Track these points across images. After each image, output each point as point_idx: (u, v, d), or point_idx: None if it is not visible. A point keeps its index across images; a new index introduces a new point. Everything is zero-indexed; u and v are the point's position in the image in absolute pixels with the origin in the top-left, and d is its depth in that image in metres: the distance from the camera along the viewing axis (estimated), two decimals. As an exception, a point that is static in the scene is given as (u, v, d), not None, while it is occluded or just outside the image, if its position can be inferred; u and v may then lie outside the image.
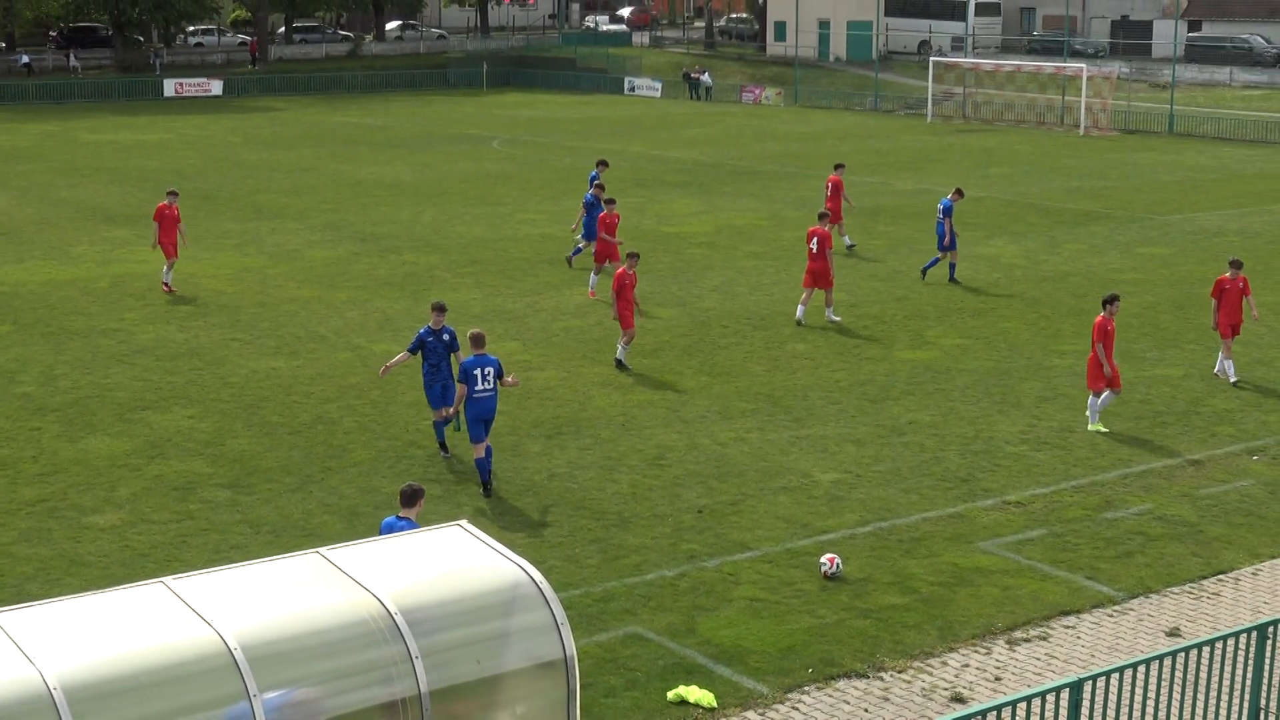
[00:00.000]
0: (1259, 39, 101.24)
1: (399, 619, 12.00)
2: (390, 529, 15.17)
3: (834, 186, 40.19)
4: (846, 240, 40.37)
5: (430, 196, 50.97)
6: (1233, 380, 27.34)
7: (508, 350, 29.41)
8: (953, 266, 36.37)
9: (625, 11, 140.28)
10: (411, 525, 15.15)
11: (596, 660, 16.14)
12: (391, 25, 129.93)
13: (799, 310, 31.79)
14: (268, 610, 12.08)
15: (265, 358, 28.94)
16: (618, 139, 70.46)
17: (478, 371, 21.00)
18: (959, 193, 36.75)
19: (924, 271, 36.55)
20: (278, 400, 26.12)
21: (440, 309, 22.55)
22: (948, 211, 35.75)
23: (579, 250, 37.73)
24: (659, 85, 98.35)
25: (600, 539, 19.76)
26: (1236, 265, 27.80)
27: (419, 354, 22.58)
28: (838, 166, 41.28)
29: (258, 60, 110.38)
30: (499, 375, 21.19)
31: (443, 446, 23.17)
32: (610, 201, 35.13)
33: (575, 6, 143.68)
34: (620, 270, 28.08)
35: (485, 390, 21.07)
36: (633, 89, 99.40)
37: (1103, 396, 24.60)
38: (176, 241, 34.98)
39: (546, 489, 21.69)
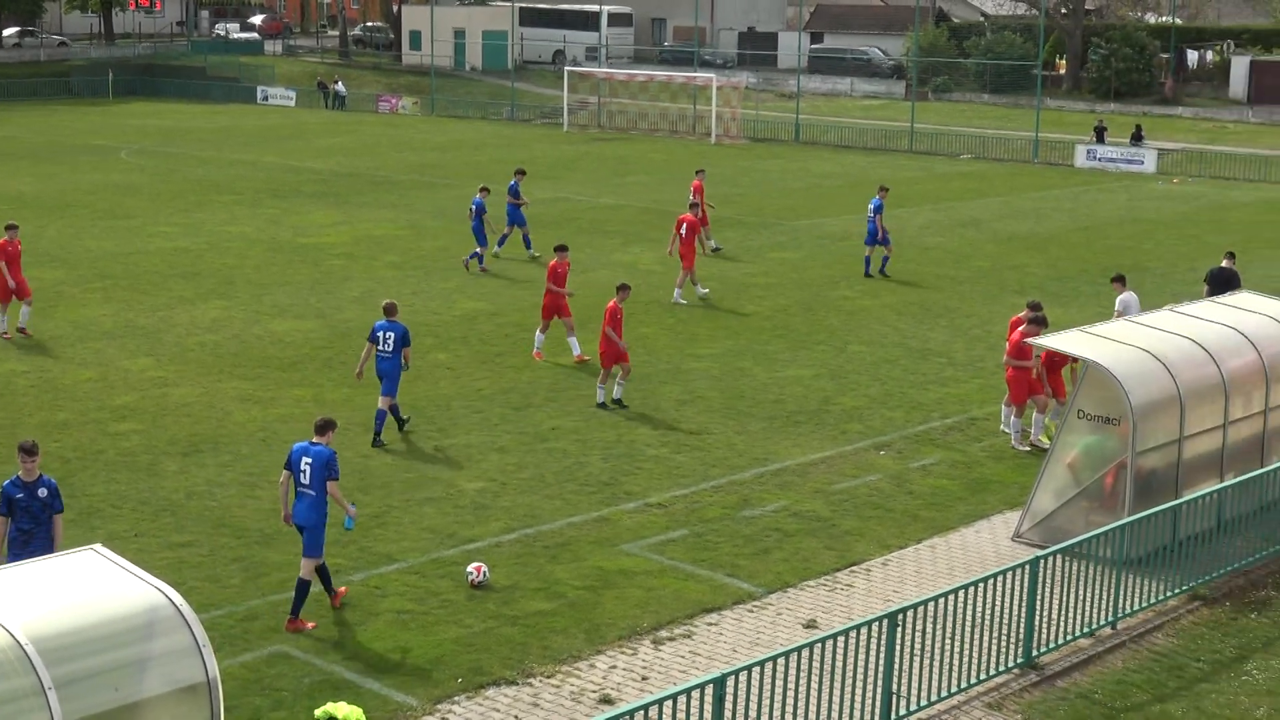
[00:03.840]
0: (877, 51, 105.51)
1: (29, 649, 11.54)
2: (304, 452, 17.42)
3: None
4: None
5: (55, 209, 49.09)
6: None
7: (141, 366, 28.58)
8: (885, 259, 39.21)
9: (257, 19, 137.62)
10: (324, 450, 17.34)
11: (241, 681, 15.81)
12: (9, 31, 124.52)
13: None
14: (-115, 647, 11.46)
15: (-122, 381, 27.43)
16: (252, 149, 69.19)
17: (380, 335, 24.18)
18: (884, 190, 39.67)
19: (882, 270, 39.07)
20: (-108, 425, 24.78)
21: (29, 451, 16.26)
22: (878, 209, 38.31)
23: (476, 255, 39.09)
24: (293, 94, 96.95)
25: (242, 557, 19.36)
26: None
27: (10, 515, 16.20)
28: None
29: None
30: (401, 343, 24.05)
31: None
32: (562, 249, 30.20)
33: (204, 14, 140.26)
34: (612, 304, 26.48)
35: (385, 352, 24.13)
36: (266, 98, 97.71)
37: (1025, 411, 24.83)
38: (23, 280, 31.34)
39: (185, 508, 21.13)
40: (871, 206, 38.69)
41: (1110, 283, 29.23)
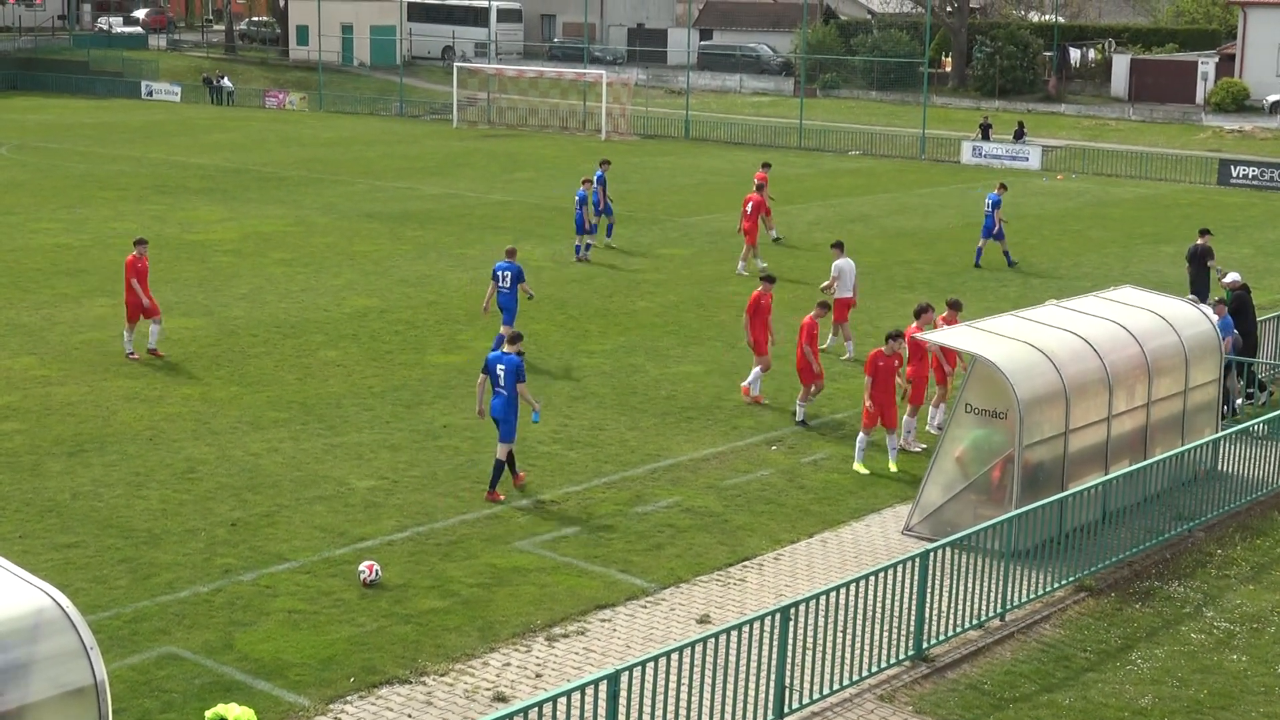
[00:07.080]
0: (765, 48, 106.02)
1: (-88, 654, 11.32)
2: (498, 360, 21.34)
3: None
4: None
5: (-67, 206, 48.19)
6: None
7: (24, 365, 28.14)
8: (1007, 253, 40.79)
9: (140, 13, 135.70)
10: (514, 359, 21.27)
11: (130, 684, 15.62)
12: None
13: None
14: None
15: None
16: (137, 144, 68.28)
17: (500, 273, 28.77)
18: (1003, 186, 42.21)
19: (1010, 263, 40.54)
20: None
21: None
22: (996, 204, 40.26)
23: (588, 246, 40.64)
24: (178, 89, 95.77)
25: (130, 558, 19.11)
26: None
27: None
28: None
29: None
30: (517, 280, 28.73)
31: None
32: (768, 280, 27.82)
33: (86, 7, 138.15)
34: (809, 320, 25.48)
35: (504, 288, 28.67)
36: (151, 93, 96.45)
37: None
38: (153, 297, 29.43)
39: (70, 509, 20.82)
40: (989, 201, 40.78)
41: (830, 248, 31.82)
